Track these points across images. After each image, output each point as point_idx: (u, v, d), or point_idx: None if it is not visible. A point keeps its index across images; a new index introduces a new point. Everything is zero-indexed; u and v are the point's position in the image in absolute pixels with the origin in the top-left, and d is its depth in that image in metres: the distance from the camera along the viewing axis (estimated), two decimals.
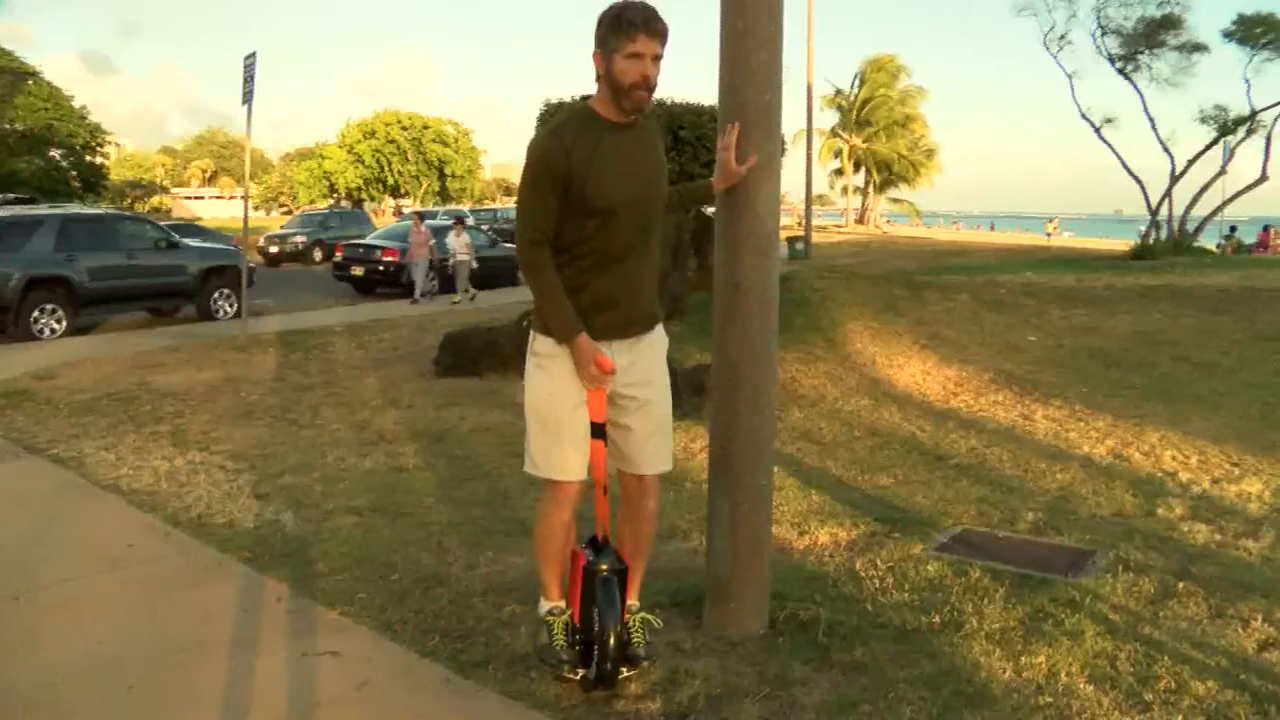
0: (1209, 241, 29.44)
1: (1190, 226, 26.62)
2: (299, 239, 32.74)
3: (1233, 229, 31.45)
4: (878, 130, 61.80)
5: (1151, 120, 26.80)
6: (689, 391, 8.08)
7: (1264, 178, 25.63)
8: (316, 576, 4.40)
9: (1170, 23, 25.78)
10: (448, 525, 5.18)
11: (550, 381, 3.18)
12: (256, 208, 77.57)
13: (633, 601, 3.43)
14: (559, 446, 3.19)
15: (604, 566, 3.26)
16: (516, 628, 3.82)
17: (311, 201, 72.12)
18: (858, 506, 5.58)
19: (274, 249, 31.82)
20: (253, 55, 12.83)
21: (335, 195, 75.15)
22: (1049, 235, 47.26)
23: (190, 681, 3.44)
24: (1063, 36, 27.49)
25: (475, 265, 19.87)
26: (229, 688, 3.38)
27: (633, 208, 3.10)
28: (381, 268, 21.11)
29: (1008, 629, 3.76)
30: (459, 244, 19.72)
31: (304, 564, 4.56)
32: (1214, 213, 26.80)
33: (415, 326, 14.93)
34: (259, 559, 4.63)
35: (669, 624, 3.82)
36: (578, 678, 3.28)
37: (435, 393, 9.26)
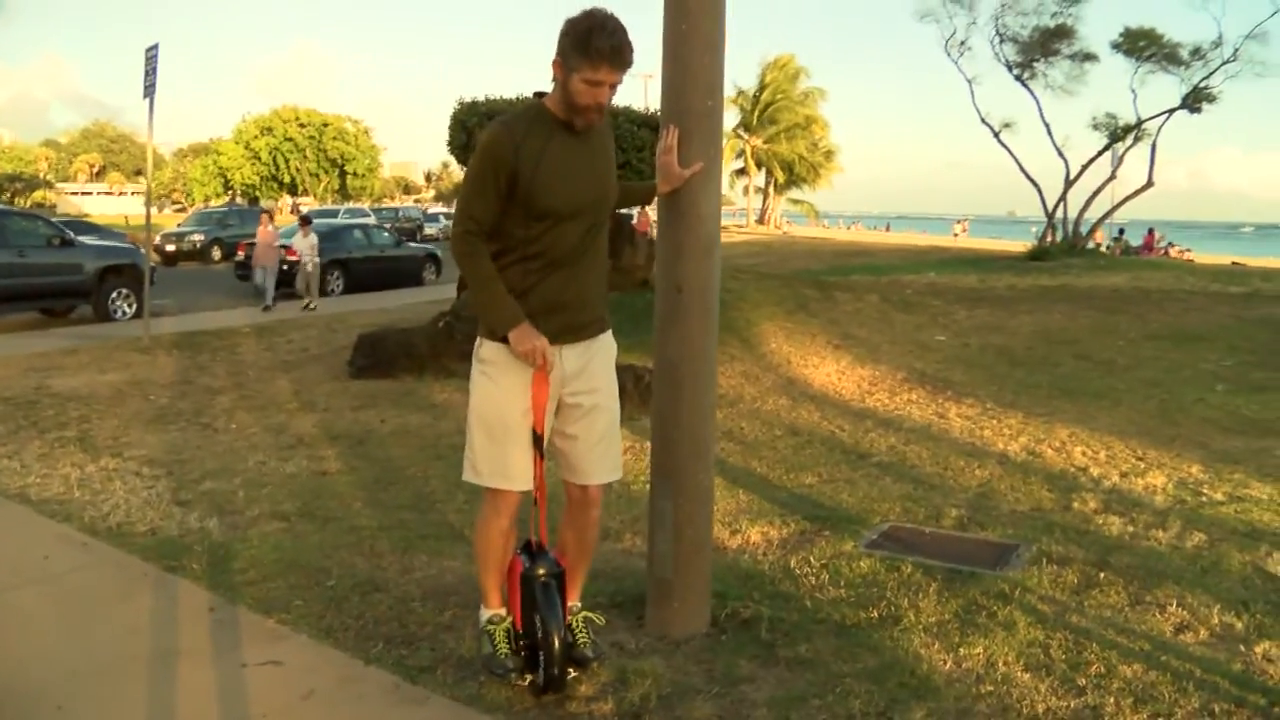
0: (1101, 243, 30.60)
1: (1084, 229, 27.64)
2: (197, 237, 31.80)
3: (1121, 231, 32.80)
4: (779, 131, 62.62)
5: (1047, 125, 27.84)
6: None
7: (1150, 183, 26.78)
8: (248, 584, 4.28)
9: (1063, 32, 26.79)
10: (378, 529, 5.11)
11: (497, 389, 3.10)
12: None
13: (574, 602, 3.41)
14: (505, 455, 3.12)
15: (541, 572, 3.21)
16: (460, 632, 3.78)
17: (206, 199, 70.15)
18: (786, 505, 5.66)
19: (171, 247, 30.84)
20: (155, 47, 12.43)
21: (231, 193, 73.26)
22: (956, 235, 48.34)
23: (124, 698, 3.31)
24: (963, 43, 28.30)
25: (312, 268, 18.16)
26: (166, 703, 3.27)
27: (582, 210, 3.05)
28: (285, 267, 20.63)
29: (944, 622, 3.86)
30: (305, 245, 18.17)
31: (234, 572, 4.43)
32: (1105, 216, 27.93)
33: (324, 327, 14.65)
34: (186, 568, 4.48)
35: (611, 626, 3.82)
36: (526, 684, 3.26)
37: (351, 394, 9.10)
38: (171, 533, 5.03)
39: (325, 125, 75.08)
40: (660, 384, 3.81)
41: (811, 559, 4.64)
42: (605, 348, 3.30)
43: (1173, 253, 32.34)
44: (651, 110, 13.43)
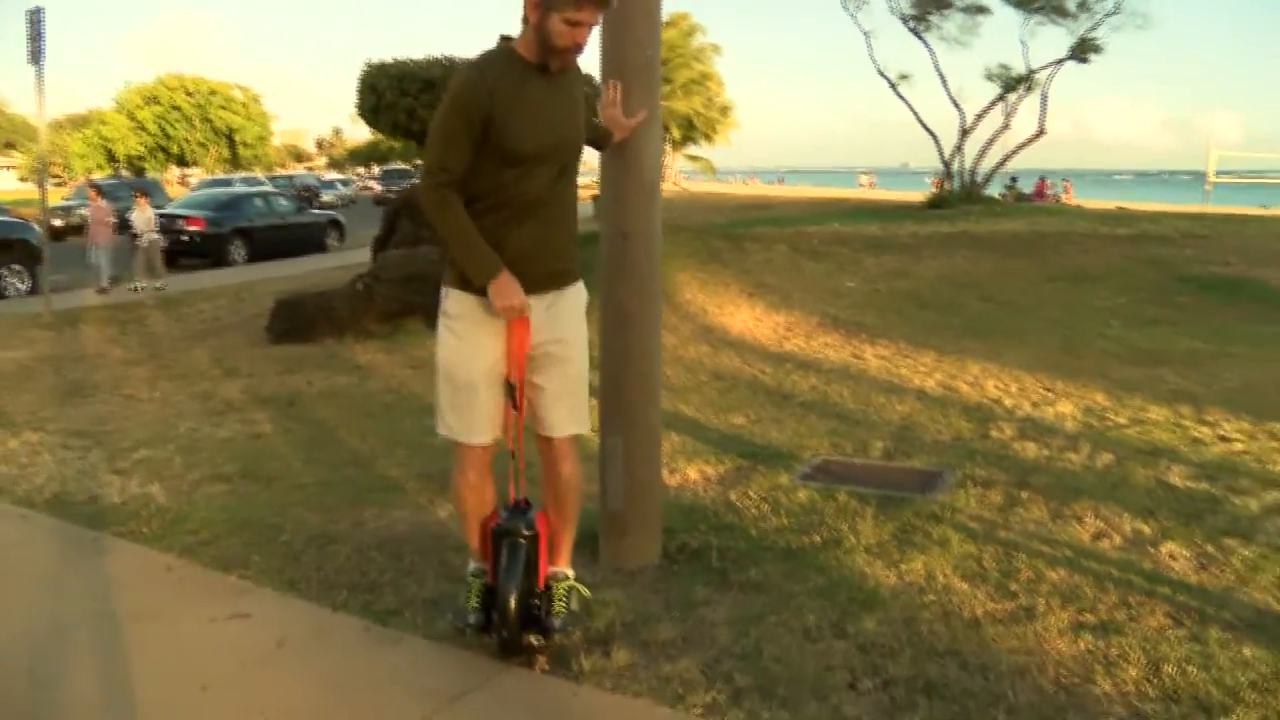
0: (993, 191, 31.49)
1: (979, 178, 28.42)
2: (85, 211, 30.52)
3: (1013, 179, 33.76)
4: (676, 88, 62.63)
5: (942, 77, 28.42)
6: None
7: (1041, 132, 27.64)
8: (202, 544, 4.29)
9: None
10: (323, 486, 5.14)
11: (461, 342, 3.04)
12: (24, 179, 71.67)
13: (562, 568, 3.33)
14: (471, 409, 3.06)
15: (510, 530, 3.14)
16: (421, 577, 3.87)
17: (89, 172, 67.25)
18: (718, 444, 5.84)
19: (58, 222, 29.57)
20: (39, 10, 11.94)
21: (115, 164, 70.38)
22: (864, 187, 48.42)
23: (96, 657, 3.33)
24: None
25: (164, 244, 16.99)
26: (141, 659, 3.29)
27: (553, 155, 2.98)
28: (186, 238, 20.12)
29: (883, 542, 4.09)
30: (141, 220, 16.41)
31: (185, 533, 4.42)
32: (1000, 165, 28.70)
33: (233, 296, 14.39)
34: (136, 532, 4.46)
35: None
36: (487, 640, 3.21)
37: (273, 360, 9.01)
38: (113, 500, 4.98)
39: (213, 94, 72.44)
40: (609, 326, 3.93)
41: (750, 492, 4.83)
42: (575, 298, 3.21)
43: (1063, 198, 33.53)
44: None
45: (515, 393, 3.07)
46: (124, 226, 17.12)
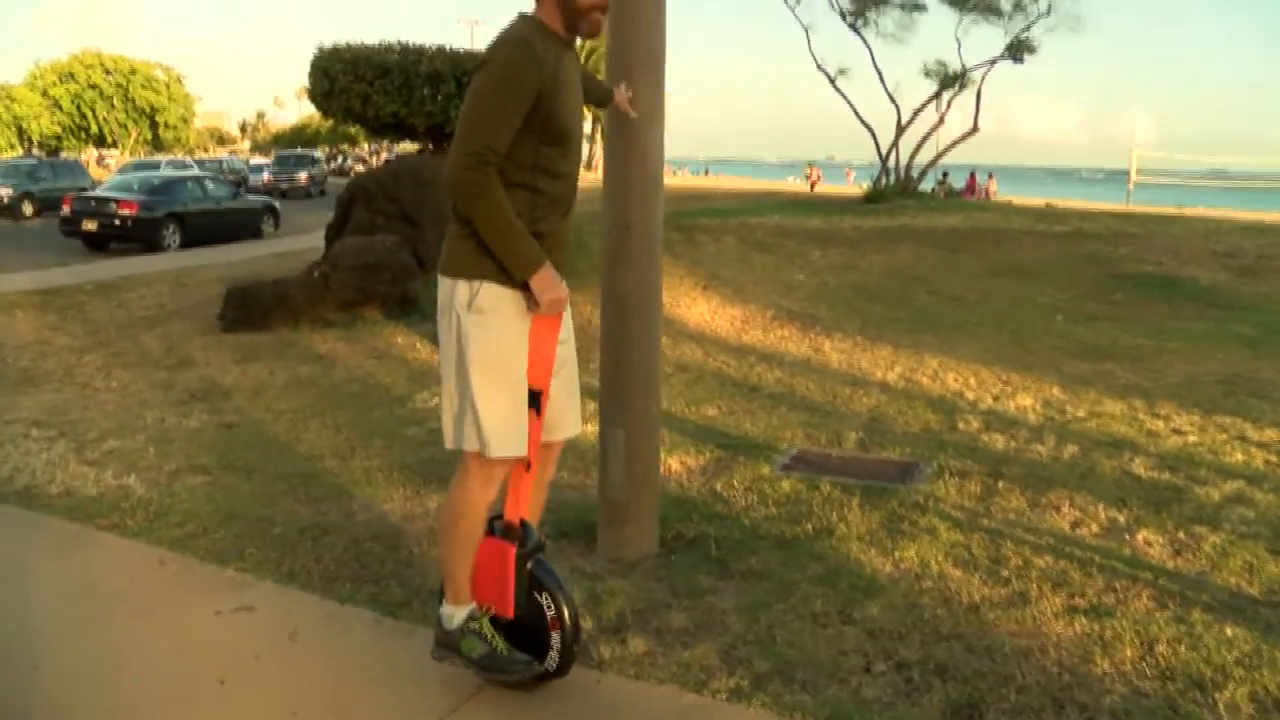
0: (926, 186, 32.09)
1: (914, 173, 28.93)
2: (4, 192, 29.53)
3: (945, 174, 34.38)
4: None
5: (879, 72, 28.87)
6: None
7: (975, 129, 28.25)
8: (192, 537, 4.25)
9: None
10: (305, 477, 5.12)
11: (501, 341, 2.73)
12: None
13: None
14: (516, 416, 2.75)
15: (541, 545, 2.95)
16: (423, 568, 3.89)
17: None
18: (695, 436, 5.94)
19: None
20: None
21: (27, 144, 68.03)
22: (812, 184, 48.09)
23: (101, 651, 3.29)
24: None
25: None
26: (149, 653, 3.27)
27: (580, 135, 2.88)
28: (118, 222, 19.59)
29: (873, 531, 4.21)
30: None
31: (172, 526, 4.39)
32: (934, 160, 29.25)
33: (173, 282, 14.08)
34: (120, 526, 4.40)
35: (562, 552, 4.02)
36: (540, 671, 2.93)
37: (228, 348, 8.89)
38: (89, 492, 4.91)
39: (133, 73, 70.30)
40: (610, 317, 3.99)
41: (734, 483, 4.93)
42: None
43: (990, 189, 34.25)
44: None
45: (541, 400, 2.82)
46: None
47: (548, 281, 2.68)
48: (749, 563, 3.89)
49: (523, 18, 2.78)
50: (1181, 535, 4.18)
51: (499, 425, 2.72)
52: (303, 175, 40.69)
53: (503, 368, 2.74)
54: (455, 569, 2.88)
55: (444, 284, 2.78)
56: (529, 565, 2.88)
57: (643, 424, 4.02)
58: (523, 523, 2.92)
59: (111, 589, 3.78)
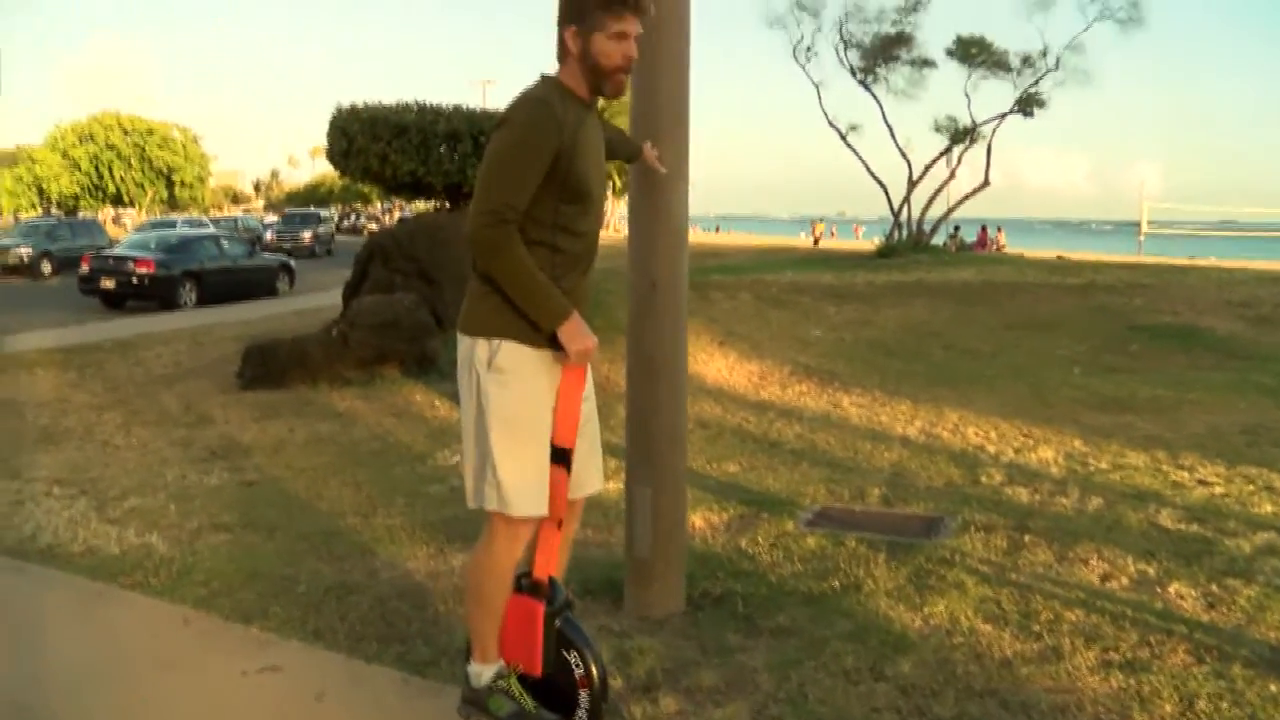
0: (938, 240, 32.27)
1: (926, 227, 29.13)
2: (24, 251, 29.90)
3: (956, 228, 34.60)
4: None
5: (890, 128, 29.15)
6: None
7: (986, 183, 28.45)
8: (215, 596, 4.24)
9: (903, 39, 28.22)
10: (328, 535, 5.11)
11: (524, 399, 2.72)
12: None
13: None
14: (539, 475, 2.74)
15: (570, 603, 2.95)
16: (449, 627, 3.87)
17: (16, 211, 65.72)
18: (717, 492, 5.92)
19: None
20: None
21: (46, 204, 68.96)
22: (815, 239, 48.71)
23: (125, 710, 3.28)
24: (809, 49, 29.38)
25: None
26: (173, 713, 3.26)
27: (601, 194, 2.90)
28: (135, 280, 19.80)
29: (900, 586, 4.19)
30: None
31: (196, 585, 4.37)
32: (946, 214, 29.48)
33: (190, 340, 14.17)
34: (144, 585, 4.39)
35: (589, 610, 3.99)
36: None
37: (247, 405, 8.92)
38: (111, 551, 4.90)
39: (150, 132, 71.48)
40: (636, 375, 4.02)
41: (759, 539, 4.91)
42: None
43: (1000, 242, 34.45)
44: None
45: (569, 457, 2.80)
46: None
47: (576, 331, 2.68)
48: (777, 620, 3.86)
49: (544, 79, 2.81)
50: (1214, 588, 4.14)
51: (520, 485, 2.71)
52: (307, 234, 40.63)
53: (523, 427, 2.73)
54: (482, 627, 2.87)
55: (463, 342, 2.79)
56: (557, 623, 2.86)
57: (670, 481, 4.02)
58: (551, 580, 2.90)
59: (136, 648, 3.77)
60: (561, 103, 2.70)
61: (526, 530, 2.78)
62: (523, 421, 2.72)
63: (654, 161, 3.74)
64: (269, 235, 40.99)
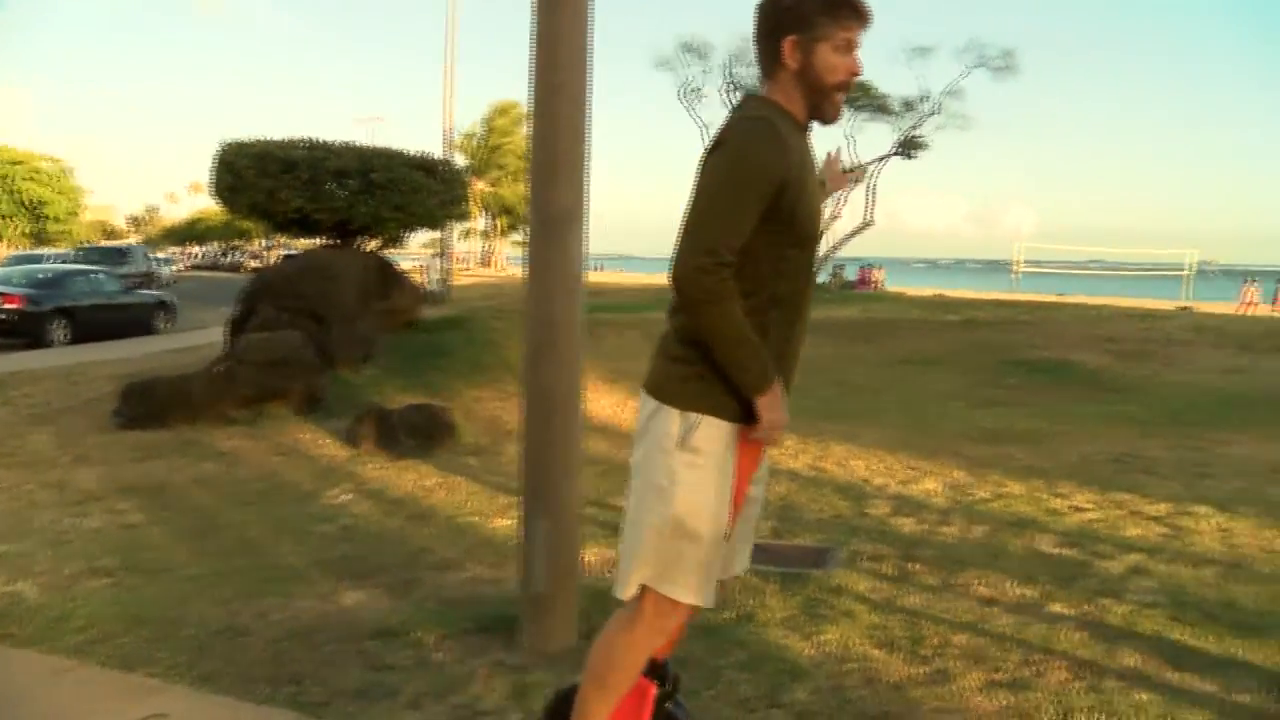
0: (820, 279, 33.09)
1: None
2: None
3: (840, 267, 35.57)
4: (504, 175, 63.39)
5: None
6: (406, 433, 8.10)
7: (869, 222, 29.33)
8: (94, 643, 4.06)
9: None
10: (216, 576, 4.96)
11: (711, 484, 2.37)
12: None
13: None
14: (715, 562, 2.44)
15: (676, 689, 2.80)
16: (342, 666, 3.80)
17: None
18: (607, 526, 5.93)
19: None
20: None
21: None
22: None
23: None
24: (696, 90, 29.94)
25: None
26: None
27: (819, 236, 2.51)
28: (2, 316, 18.88)
29: (793, 616, 4.26)
30: None
31: (72, 632, 4.18)
32: (829, 252, 30.18)
33: (62, 379, 13.53)
34: (11, 635, 4.17)
35: (484, 647, 3.97)
36: None
37: (126, 446, 8.60)
38: None
39: (17, 163, 68.61)
40: (533, 411, 4.03)
41: None
42: None
43: (879, 279, 35.51)
44: (423, 153, 13.47)
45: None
46: None
47: (776, 402, 2.32)
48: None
49: (755, 99, 2.43)
50: (1089, 608, 4.33)
51: (699, 572, 2.41)
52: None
53: (708, 513, 2.38)
54: (597, 709, 2.58)
55: (648, 405, 2.44)
56: (667, 705, 2.73)
57: (565, 516, 4.04)
58: (665, 661, 2.71)
59: (4, 706, 3.58)
60: (786, 127, 2.33)
61: (682, 617, 2.53)
62: (709, 508, 2.37)
63: (838, 173, 3.13)
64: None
